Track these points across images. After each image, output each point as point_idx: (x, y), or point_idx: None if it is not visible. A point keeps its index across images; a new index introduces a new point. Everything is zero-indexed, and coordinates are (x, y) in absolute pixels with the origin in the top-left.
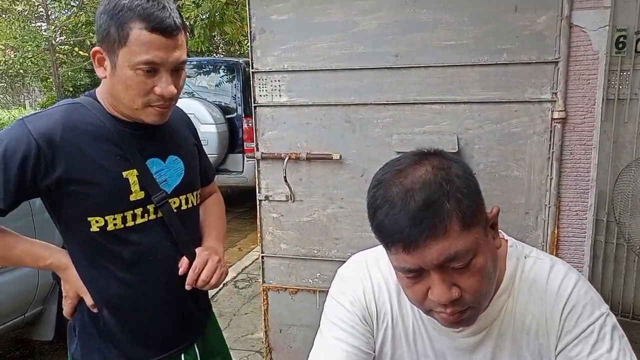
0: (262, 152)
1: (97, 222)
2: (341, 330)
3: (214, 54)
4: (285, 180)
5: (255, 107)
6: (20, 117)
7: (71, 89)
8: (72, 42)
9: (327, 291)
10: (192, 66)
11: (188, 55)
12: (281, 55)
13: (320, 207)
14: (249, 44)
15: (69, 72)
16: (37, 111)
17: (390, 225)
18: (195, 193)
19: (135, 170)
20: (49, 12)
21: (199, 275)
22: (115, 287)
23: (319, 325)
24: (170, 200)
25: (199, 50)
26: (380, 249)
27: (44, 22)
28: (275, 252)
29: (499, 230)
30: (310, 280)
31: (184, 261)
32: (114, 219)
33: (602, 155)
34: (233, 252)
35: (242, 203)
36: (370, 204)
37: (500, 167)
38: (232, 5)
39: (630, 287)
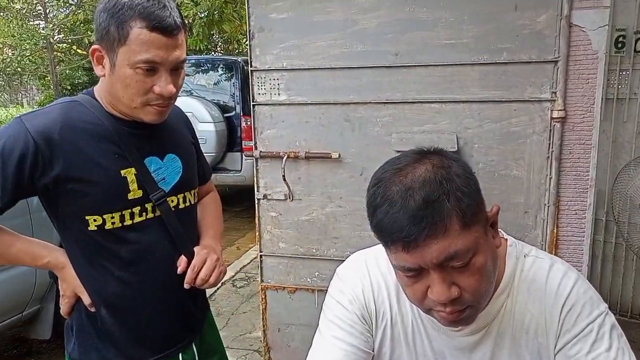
0: (261, 151)
1: (95, 220)
2: (340, 329)
3: (213, 53)
4: (284, 179)
5: (253, 105)
6: (18, 115)
7: (69, 87)
8: (70, 41)
9: (326, 290)
10: (190, 65)
11: (187, 54)
12: (280, 53)
13: (319, 206)
14: (247, 42)
15: (67, 71)
16: (34, 109)
17: (389, 224)
18: (193, 192)
19: (133, 168)
20: (47, 11)
21: (197, 274)
22: (113, 286)
23: (318, 325)
24: (168, 199)
25: (198, 48)
26: (379, 248)
27: (42, 20)
28: (274, 251)
29: (499, 230)
30: (308, 280)
31: (182, 260)
32: (112, 217)
33: (601, 154)
34: (231, 251)
35: (241, 202)
36: (370, 203)
37: (499, 166)
38: (231, 3)
39: (629, 287)
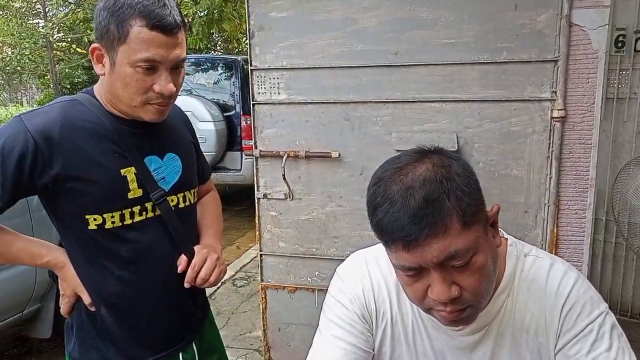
0: (261, 150)
1: (94, 219)
2: (340, 329)
3: (213, 52)
4: (284, 179)
5: (253, 104)
6: (18, 114)
7: (68, 86)
8: (69, 39)
9: (326, 289)
10: (190, 64)
11: (186, 53)
12: (280, 52)
13: (319, 205)
14: (247, 41)
15: (67, 69)
16: (34, 108)
17: (390, 223)
18: (193, 191)
19: (133, 167)
20: (47, 9)
21: (197, 273)
22: (113, 285)
23: (318, 324)
24: (168, 198)
25: (197, 47)
26: (379, 247)
27: (41, 19)
28: (274, 250)
29: (499, 229)
30: (308, 279)
31: (182, 259)
32: (112, 216)
33: (601, 154)
34: (231, 250)
35: (241, 201)
36: (370, 202)
37: (499, 166)
38: (230, 2)
39: (629, 286)
